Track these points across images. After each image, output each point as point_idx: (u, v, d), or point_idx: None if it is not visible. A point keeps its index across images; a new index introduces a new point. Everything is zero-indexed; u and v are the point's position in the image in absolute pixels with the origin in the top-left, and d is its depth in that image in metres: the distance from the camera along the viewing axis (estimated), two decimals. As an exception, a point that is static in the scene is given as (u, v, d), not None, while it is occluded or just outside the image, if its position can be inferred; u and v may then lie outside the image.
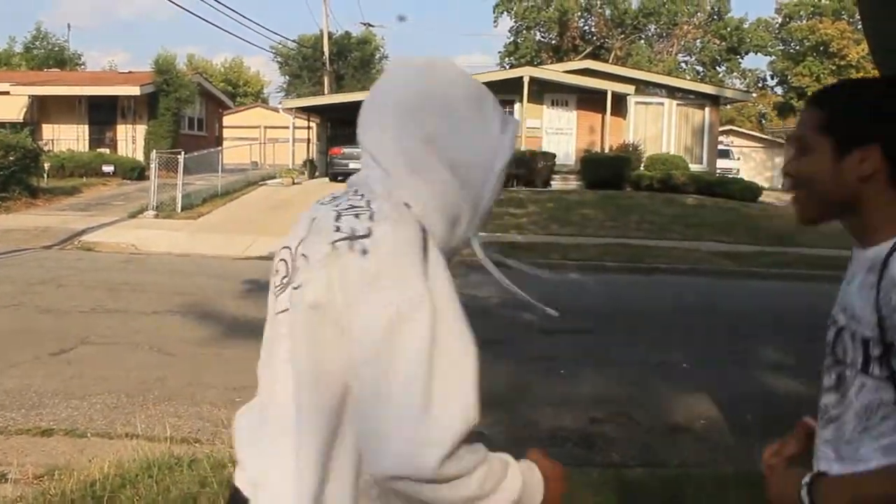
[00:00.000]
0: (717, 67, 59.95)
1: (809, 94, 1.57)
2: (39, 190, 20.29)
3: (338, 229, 1.31)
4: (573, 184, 24.22)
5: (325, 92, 37.60)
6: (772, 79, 61.26)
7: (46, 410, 5.58)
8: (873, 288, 1.50)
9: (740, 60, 60.55)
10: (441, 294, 1.29)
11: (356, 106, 1.52)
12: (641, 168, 24.31)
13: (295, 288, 1.35)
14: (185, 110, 31.21)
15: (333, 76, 44.39)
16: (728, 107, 40.95)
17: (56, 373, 6.44)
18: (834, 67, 52.54)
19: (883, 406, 1.53)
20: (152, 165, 18.61)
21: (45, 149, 23.26)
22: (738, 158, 40.70)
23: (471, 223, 1.47)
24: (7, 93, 28.32)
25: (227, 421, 5.35)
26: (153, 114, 29.21)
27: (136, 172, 25.58)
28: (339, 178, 25.22)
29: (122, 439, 4.93)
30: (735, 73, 61.30)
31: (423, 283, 1.27)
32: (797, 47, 56.50)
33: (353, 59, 52.74)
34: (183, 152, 19.37)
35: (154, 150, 20.11)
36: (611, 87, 24.83)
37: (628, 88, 25.22)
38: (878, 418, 1.54)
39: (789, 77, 56.09)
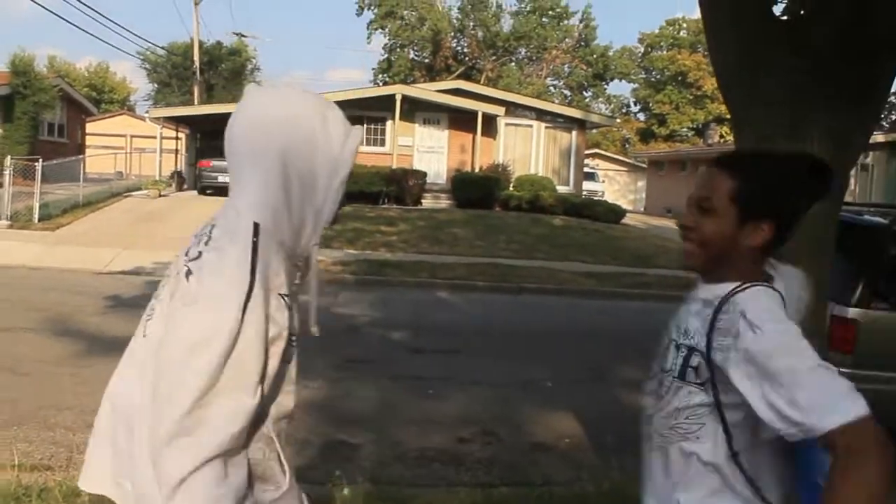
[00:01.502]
0: (584, 92, 62.04)
1: (720, 156, 1.91)
2: None
3: (187, 253, 1.50)
4: (444, 202, 24.51)
5: (195, 102, 36.69)
6: (635, 105, 63.94)
7: None
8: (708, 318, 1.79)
9: (606, 86, 62.92)
10: (251, 325, 1.44)
11: (226, 117, 1.66)
12: (511, 188, 24.84)
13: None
14: (44, 115, 29.76)
15: (204, 86, 43.32)
16: (594, 131, 42.36)
17: None
18: (691, 97, 55.24)
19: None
20: (6, 172, 17.63)
21: None
22: (604, 181, 42.18)
23: (314, 232, 1.63)
24: None
25: (82, 446, 5.12)
26: (8, 117, 27.68)
27: (-11, 179, 24.23)
28: (208, 191, 24.63)
29: (-35, 467, 4.66)
30: (601, 99, 63.63)
31: (237, 310, 1.42)
32: (658, 76, 59.15)
33: (224, 70, 51.67)
34: (41, 159, 18.41)
35: (8, 156, 19.05)
36: (482, 107, 25.28)
37: (499, 110, 25.75)
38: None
39: (651, 104, 58.63)
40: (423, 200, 24.29)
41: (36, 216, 17.31)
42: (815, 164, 1.89)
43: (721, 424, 1.79)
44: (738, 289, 1.79)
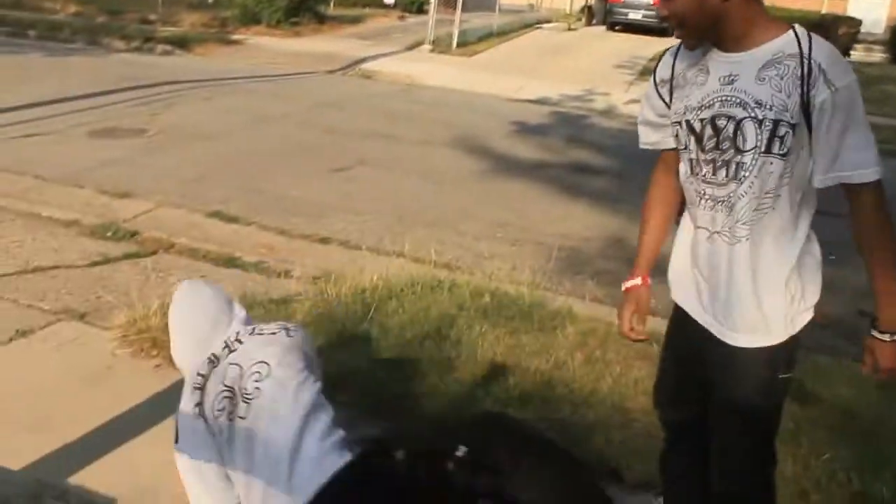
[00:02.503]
0: None
1: None
2: (326, 17, 21.23)
3: None
4: (877, 56, 21.81)
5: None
6: None
7: (325, 220, 6.00)
8: (786, 78, 1.87)
9: None
10: None
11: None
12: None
13: None
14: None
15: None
16: None
17: (335, 188, 6.89)
18: None
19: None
20: (431, 0, 18.79)
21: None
22: None
23: None
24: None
25: (487, 254, 5.49)
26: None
27: (416, 6, 26.04)
28: (617, 27, 24.35)
29: (389, 256, 5.21)
30: None
31: None
32: None
33: None
34: (463, -12, 19.33)
35: (435, -15, 20.23)
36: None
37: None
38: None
39: None
40: (851, 52, 21.84)
41: (454, 42, 18.35)
42: None
43: (796, 190, 1.97)
44: (797, 39, 1.89)
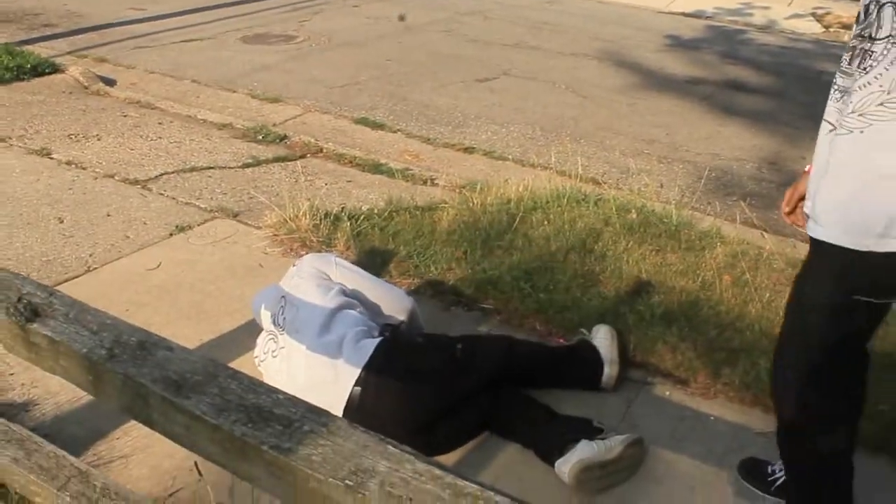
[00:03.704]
0: None
1: None
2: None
3: None
4: None
5: None
6: None
7: (469, 130, 5.97)
8: None
9: None
10: None
11: None
12: None
13: None
14: None
15: None
16: None
17: (480, 98, 6.81)
18: None
19: None
20: None
21: None
22: None
23: None
24: None
25: (634, 169, 5.34)
26: None
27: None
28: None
29: (534, 168, 5.15)
30: None
31: None
32: None
33: None
34: None
35: None
36: None
37: None
38: None
39: None
40: None
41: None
42: None
43: None
44: None
